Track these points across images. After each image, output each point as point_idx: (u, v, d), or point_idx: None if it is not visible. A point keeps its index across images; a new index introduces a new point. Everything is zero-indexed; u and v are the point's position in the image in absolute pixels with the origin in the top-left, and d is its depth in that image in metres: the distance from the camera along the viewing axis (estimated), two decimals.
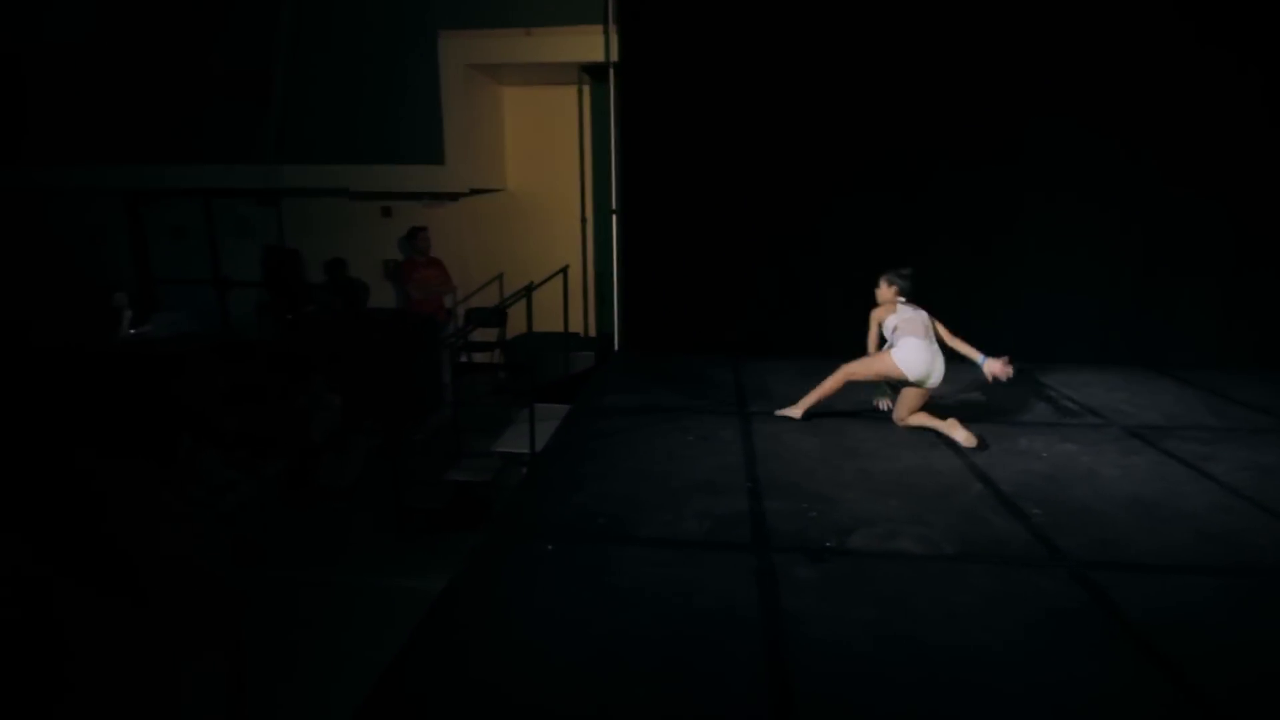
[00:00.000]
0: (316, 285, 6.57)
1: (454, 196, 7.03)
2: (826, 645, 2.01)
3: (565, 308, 6.55)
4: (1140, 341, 5.41)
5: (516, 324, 6.92)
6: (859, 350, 3.93)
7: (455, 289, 6.21)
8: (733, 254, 5.54)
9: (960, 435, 3.61)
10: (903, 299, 3.84)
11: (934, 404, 3.88)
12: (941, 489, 3.09)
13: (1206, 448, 3.63)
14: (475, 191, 6.94)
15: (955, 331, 3.79)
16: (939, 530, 2.71)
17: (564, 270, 6.58)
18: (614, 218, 5.64)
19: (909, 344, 3.61)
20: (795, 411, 3.99)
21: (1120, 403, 4.46)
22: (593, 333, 7.23)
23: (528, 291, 6.12)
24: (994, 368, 3.57)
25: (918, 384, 3.70)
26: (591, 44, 5.76)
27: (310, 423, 4.89)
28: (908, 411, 3.84)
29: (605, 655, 1.95)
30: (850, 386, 3.86)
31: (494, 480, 4.78)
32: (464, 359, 6.52)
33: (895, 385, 3.90)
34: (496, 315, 6.96)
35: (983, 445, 3.55)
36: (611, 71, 5.65)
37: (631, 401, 4.37)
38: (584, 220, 7.10)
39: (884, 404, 4.13)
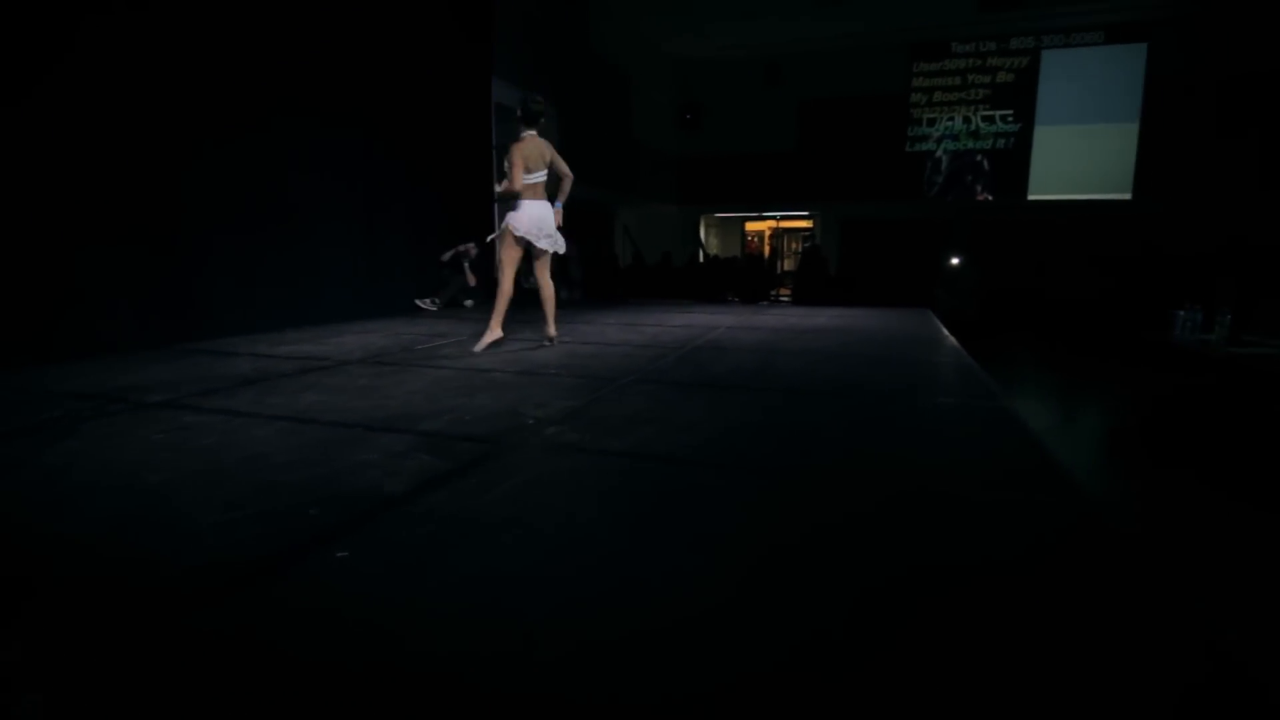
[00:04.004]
0: None
1: None
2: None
3: None
4: (376, 301, 6.33)
5: None
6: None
7: None
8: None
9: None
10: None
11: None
12: (488, 382, 3.23)
13: (534, 332, 4.97)
14: None
15: None
16: (559, 396, 2.96)
17: None
18: None
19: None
20: (493, 335, 4.08)
21: (445, 331, 5.28)
22: None
23: None
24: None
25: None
26: None
27: None
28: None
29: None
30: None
31: None
32: None
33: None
34: None
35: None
36: None
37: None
38: None
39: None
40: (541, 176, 4.04)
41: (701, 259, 15.66)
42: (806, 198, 15.53)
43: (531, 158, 3.95)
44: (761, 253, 18.43)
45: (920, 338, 4.84)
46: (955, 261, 8.56)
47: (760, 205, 16.13)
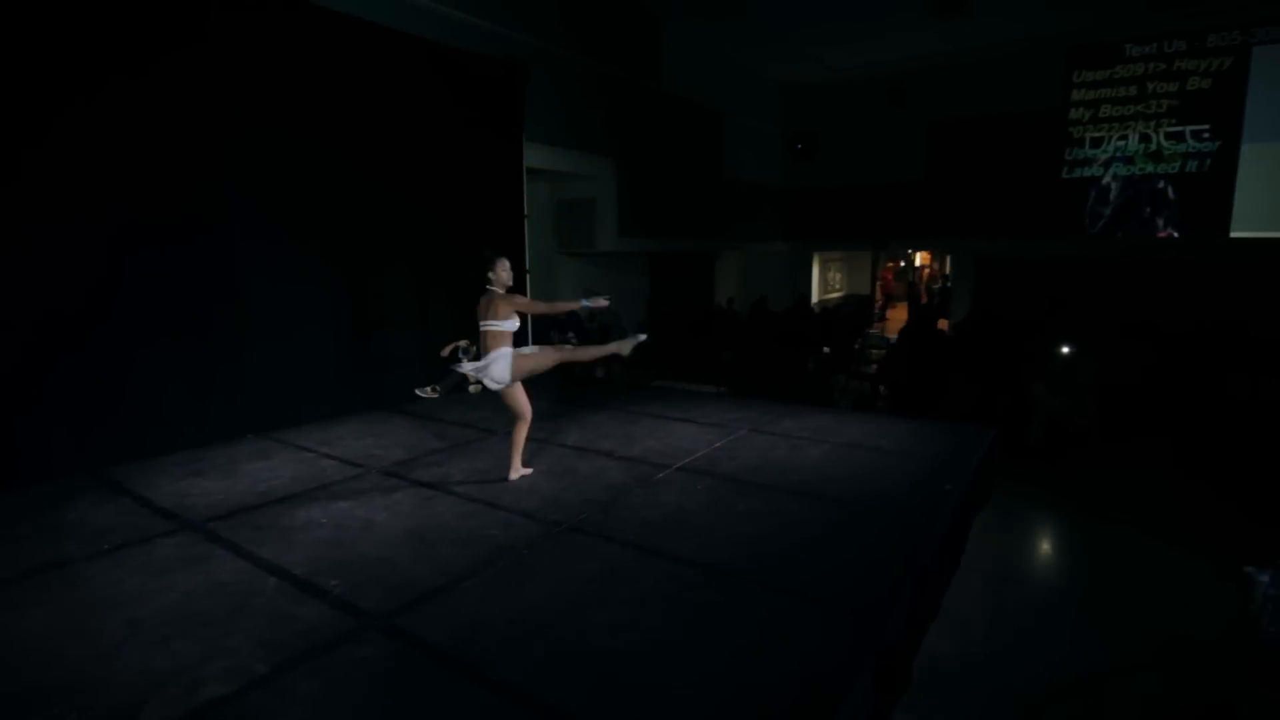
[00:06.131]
0: None
1: None
2: None
3: None
4: (368, 387, 6.18)
5: None
6: None
7: None
8: None
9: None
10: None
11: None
12: (232, 604, 2.78)
13: (440, 469, 4.48)
14: None
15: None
16: (244, 653, 2.43)
17: None
18: None
19: None
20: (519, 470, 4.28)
21: (371, 448, 5.00)
22: None
23: None
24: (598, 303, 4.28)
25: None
26: None
27: None
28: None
29: None
30: None
31: None
32: None
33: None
34: None
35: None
36: None
37: None
38: None
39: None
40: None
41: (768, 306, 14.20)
42: (936, 233, 13.53)
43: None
44: (874, 298, 16.39)
45: (909, 523, 3.66)
46: (1066, 350, 6.68)
47: (882, 241, 14.35)
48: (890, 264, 19.52)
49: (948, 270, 17.42)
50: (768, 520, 3.58)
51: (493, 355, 3.99)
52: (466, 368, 4.14)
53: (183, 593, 2.87)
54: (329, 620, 2.66)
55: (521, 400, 4.21)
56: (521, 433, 4.30)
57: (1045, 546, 4.56)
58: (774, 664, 2.36)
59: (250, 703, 2.18)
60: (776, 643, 2.48)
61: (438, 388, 6.77)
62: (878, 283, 18.48)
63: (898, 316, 16.30)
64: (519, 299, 4.08)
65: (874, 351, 11.44)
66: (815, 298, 15.72)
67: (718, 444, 4.96)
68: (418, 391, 6.75)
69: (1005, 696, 2.88)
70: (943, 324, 13.16)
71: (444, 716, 2.12)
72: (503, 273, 4.08)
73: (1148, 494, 5.53)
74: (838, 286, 17.14)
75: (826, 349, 9.33)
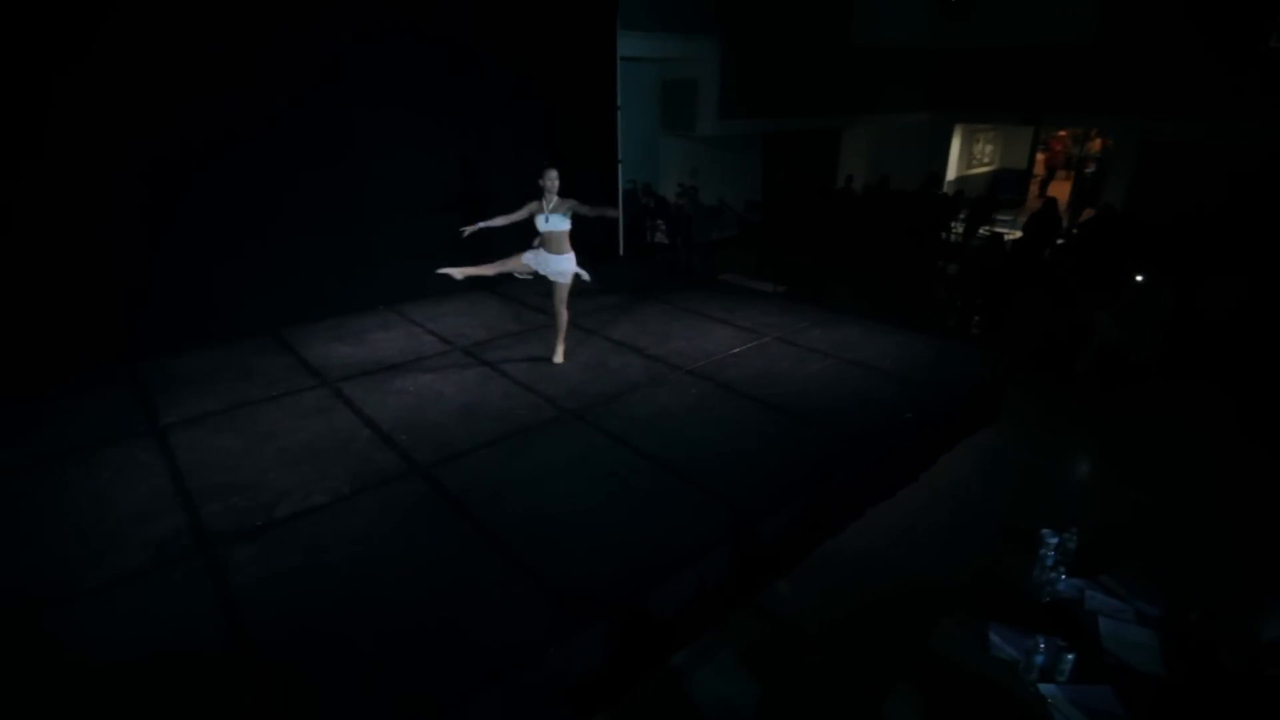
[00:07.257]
0: None
1: None
2: (271, 591, 2.99)
3: None
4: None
5: None
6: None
7: None
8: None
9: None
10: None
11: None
12: (339, 444, 4.24)
13: (505, 351, 5.71)
14: None
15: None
16: (339, 479, 3.87)
17: None
18: None
19: None
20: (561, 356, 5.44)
21: (463, 326, 6.32)
22: None
23: None
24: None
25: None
26: None
27: None
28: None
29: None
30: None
31: None
32: None
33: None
34: None
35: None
36: None
37: None
38: None
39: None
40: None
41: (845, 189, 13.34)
42: (1100, 109, 11.96)
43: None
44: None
45: (844, 443, 4.36)
46: (1140, 278, 6.26)
47: (1034, 114, 12.90)
48: (1062, 132, 17.33)
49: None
50: (727, 427, 4.45)
51: (566, 257, 5.11)
52: (527, 258, 5.13)
53: (313, 433, 4.38)
54: (394, 464, 4.03)
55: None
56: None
57: (1019, 476, 4.96)
58: (658, 538, 3.39)
59: (335, 510, 3.60)
60: (670, 523, 3.49)
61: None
62: (1042, 154, 16.67)
63: (1060, 193, 14.84)
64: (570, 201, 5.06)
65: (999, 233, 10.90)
66: (953, 174, 14.67)
67: (735, 350, 5.74)
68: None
69: (872, 589, 3.73)
70: (1086, 214, 12.10)
71: (437, 534, 3.41)
72: (549, 181, 4.98)
73: (1180, 444, 5.46)
74: (986, 160, 15.71)
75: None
